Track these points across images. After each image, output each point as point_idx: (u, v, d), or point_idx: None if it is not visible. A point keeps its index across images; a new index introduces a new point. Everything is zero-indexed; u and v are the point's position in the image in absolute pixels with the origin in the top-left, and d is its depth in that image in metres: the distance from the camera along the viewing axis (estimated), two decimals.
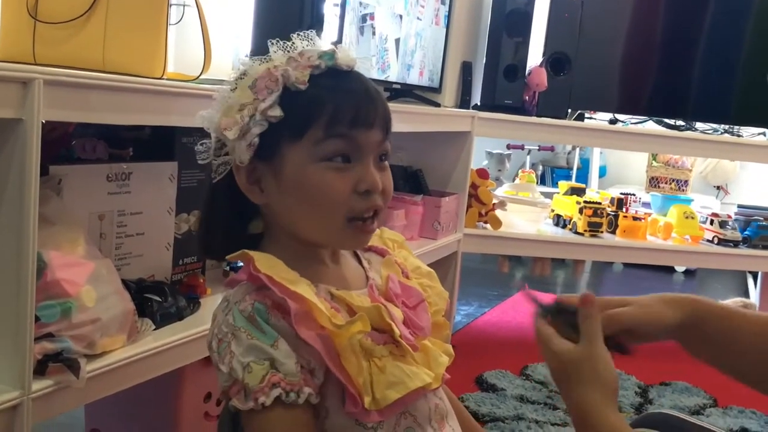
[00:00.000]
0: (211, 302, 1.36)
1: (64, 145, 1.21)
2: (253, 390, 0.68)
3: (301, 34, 0.77)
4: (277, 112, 0.73)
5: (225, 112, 0.76)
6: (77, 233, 1.08)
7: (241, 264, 0.77)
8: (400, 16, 2.13)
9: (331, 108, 0.73)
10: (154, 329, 1.16)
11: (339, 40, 1.85)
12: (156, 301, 1.20)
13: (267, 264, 0.73)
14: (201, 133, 1.41)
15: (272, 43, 0.77)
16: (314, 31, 0.76)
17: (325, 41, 0.80)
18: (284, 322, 0.70)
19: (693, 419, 0.91)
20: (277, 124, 0.74)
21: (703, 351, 0.88)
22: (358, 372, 0.71)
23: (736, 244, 2.70)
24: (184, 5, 1.39)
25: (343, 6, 1.83)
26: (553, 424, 1.89)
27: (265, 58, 0.77)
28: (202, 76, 1.27)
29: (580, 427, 0.76)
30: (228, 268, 1.48)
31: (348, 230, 0.76)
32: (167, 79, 1.17)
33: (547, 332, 0.81)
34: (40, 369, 0.93)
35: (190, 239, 1.41)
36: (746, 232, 2.76)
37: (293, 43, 0.77)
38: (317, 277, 0.77)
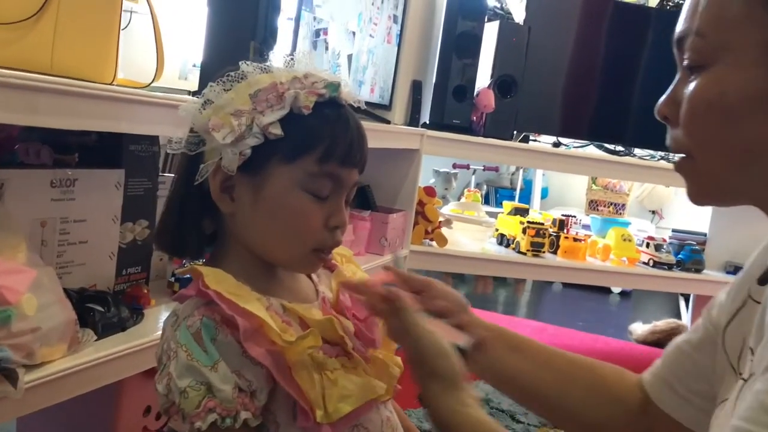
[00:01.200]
0: (155, 313, 1.33)
1: (7, 148, 1.18)
2: (189, 415, 0.68)
3: (303, 52, 0.79)
4: (278, 130, 0.73)
5: (216, 110, 0.74)
6: (18, 240, 1.05)
7: (187, 276, 0.76)
8: (353, 33, 2.14)
9: (328, 141, 0.74)
10: (96, 340, 1.13)
11: (292, 54, 1.85)
12: (98, 311, 1.17)
13: (216, 280, 0.72)
14: (149, 140, 1.39)
15: (266, 58, 0.77)
16: (312, 51, 0.77)
17: (279, 56, 0.81)
18: (232, 338, 0.70)
19: None
20: (273, 142, 0.73)
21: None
22: (311, 386, 0.71)
23: (670, 266, 2.80)
24: (131, 11, 1.38)
25: (297, 20, 1.84)
26: None
27: (266, 68, 0.76)
28: (152, 84, 1.26)
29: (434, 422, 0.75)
30: (174, 279, 1.46)
31: (309, 258, 0.77)
32: (118, 86, 1.16)
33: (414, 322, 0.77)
34: None
35: (135, 249, 1.38)
36: (680, 256, 2.86)
37: (292, 59, 0.78)
38: (269, 290, 0.77)
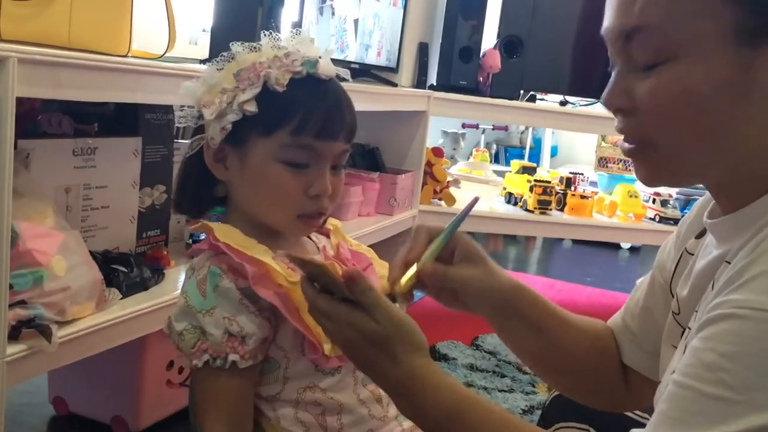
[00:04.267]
0: (175, 273, 1.41)
1: (31, 119, 1.24)
2: (187, 353, 0.79)
3: (294, 31, 0.84)
4: (252, 107, 0.79)
5: (208, 89, 0.82)
6: (46, 205, 1.12)
7: (203, 236, 0.84)
8: None
9: (301, 115, 0.79)
10: (121, 298, 1.21)
11: (299, 21, 1.89)
12: (122, 271, 1.24)
13: (225, 233, 0.80)
14: (165, 109, 1.45)
15: (265, 35, 0.83)
16: (306, 30, 0.82)
17: (310, 38, 0.85)
18: (233, 285, 0.78)
19: None
20: (251, 117, 0.80)
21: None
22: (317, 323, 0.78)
23: (676, 221, 2.84)
24: None
25: None
26: (500, 391, 1.99)
27: (256, 47, 0.82)
28: (165, 55, 1.31)
29: (417, 394, 0.69)
30: (191, 240, 1.53)
31: (296, 223, 0.83)
32: (133, 57, 1.21)
33: (338, 308, 0.70)
34: (14, 334, 0.98)
35: (153, 213, 1.45)
36: (686, 210, 2.90)
37: (280, 39, 0.83)
38: (274, 244, 0.84)
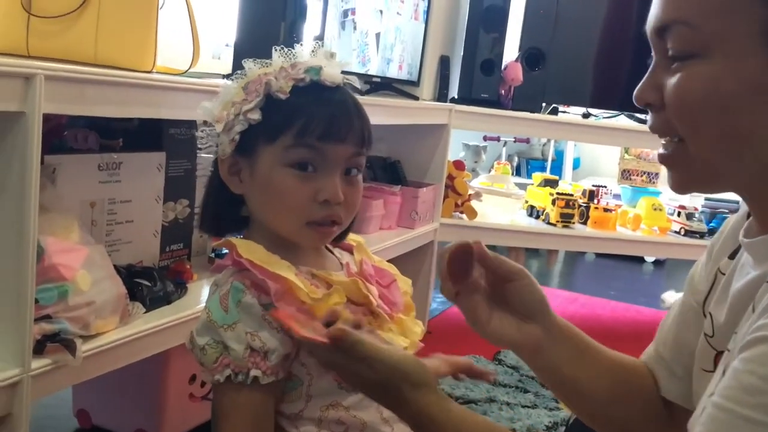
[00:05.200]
0: (198, 287, 1.41)
1: (57, 135, 1.26)
2: (209, 368, 0.78)
3: (316, 44, 0.85)
4: (256, 115, 0.81)
5: (222, 106, 0.84)
6: (71, 220, 1.13)
7: (225, 251, 0.84)
8: (381, 11, 2.18)
9: (304, 118, 0.80)
10: (144, 312, 1.21)
11: (321, 35, 1.90)
12: (146, 285, 1.25)
13: (248, 249, 0.80)
14: (189, 125, 1.46)
15: (275, 50, 0.84)
16: (328, 44, 0.83)
17: (327, 49, 0.86)
18: (256, 300, 0.78)
19: None
20: (256, 126, 0.81)
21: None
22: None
23: (701, 235, 2.81)
24: None
25: (325, 1, 1.88)
26: (523, 406, 1.97)
27: (266, 62, 0.84)
28: (189, 70, 1.32)
29: (430, 429, 0.72)
30: (213, 254, 1.54)
31: (306, 231, 0.83)
32: (157, 73, 1.22)
33: (340, 361, 0.73)
34: (39, 348, 0.98)
35: (177, 227, 1.46)
36: (711, 224, 2.87)
37: (294, 52, 0.84)
38: (297, 260, 0.84)
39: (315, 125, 0.80)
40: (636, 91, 0.66)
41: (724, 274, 0.74)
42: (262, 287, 0.78)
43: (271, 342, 0.77)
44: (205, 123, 0.88)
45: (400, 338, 0.83)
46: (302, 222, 0.82)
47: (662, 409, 0.85)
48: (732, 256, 0.74)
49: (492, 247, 3.23)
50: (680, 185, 0.66)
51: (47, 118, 1.19)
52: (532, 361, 0.85)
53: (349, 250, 0.94)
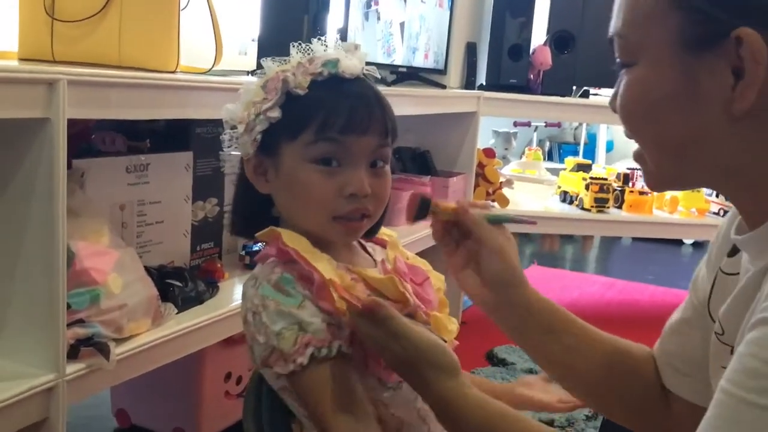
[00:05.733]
0: (229, 286, 1.41)
1: (84, 139, 1.26)
2: (289, 353, 0.74)
3: (321, 38, 0.83)
4: (275, 113, 0.79)
5: (243, 107, 0.82)
6: (101, 224, 1.13)
7: (256, 248, 0.83)
8: (405, 0, 2.15)
9: (324, 112, 0.78)
10: (177, 313, 1.21)
11: (345, 26, 1.89)
12: (177, 286, 1.25)
13: (293, 239, 0.79)
14: (215, 123, 1.46)
15: (293, 46, 0.82)
16: (353, 36, 0.81)
17: (346, 43, 0.85)
18: (308, 292, 0.76)
19: None
20: (277, 124, 0.79)
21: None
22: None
23: None
24: None
25: None
26: None
27: (284, 60, 0.82)
28: (213, 68, 1.31)
29: (450, 414, 0.73)
30: (244, 252, 1.54)
31: (334, 226, 0.81)
32: (181, 72, 1.22)
33: (375, 332, 0.73)
34: (73, 353, 0.99)
35: (206, 226, 1.46)
36: None
37: (311, 47, 0.82)
38: (333, 256, 0.82)
39: (335, 119, 0.78)
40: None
41: (726, 273, 0.73)
42: (309, 279, 0.76)
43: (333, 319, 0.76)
44: (229, 125, 0.87)
45: (437, 335, 0.82)
46: (329, 217, 0.80)
47: (660, 399, 0.85)
48: (731, 254, 0.73)
49: (526, 234, 3.17)
50: (649, 185, 0.69)
51: (73, 123, 1.19)
52: (501, 325, 0.87)
53: (383, 244, 0.92)
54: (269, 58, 0.82)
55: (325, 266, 0.77)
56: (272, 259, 0.80)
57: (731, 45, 0.57)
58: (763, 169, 0.60)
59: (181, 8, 1.22)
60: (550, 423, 1.78)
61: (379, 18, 2.02)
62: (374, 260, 0.88)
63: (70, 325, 0.99)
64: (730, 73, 0.57)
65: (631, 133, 0.67)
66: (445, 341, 0.75)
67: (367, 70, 0.83)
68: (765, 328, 0.52)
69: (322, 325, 0.74)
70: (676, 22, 0.59)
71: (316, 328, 0.74)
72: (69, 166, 1.12)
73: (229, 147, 0.85)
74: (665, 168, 0.65)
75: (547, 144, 4.88)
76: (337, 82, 0.80)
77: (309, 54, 0.82)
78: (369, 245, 0.91)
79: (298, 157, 0.79)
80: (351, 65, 0.81)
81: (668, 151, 0.64)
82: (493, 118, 2.73)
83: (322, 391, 0.74)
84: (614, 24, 0.66)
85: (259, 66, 1.49)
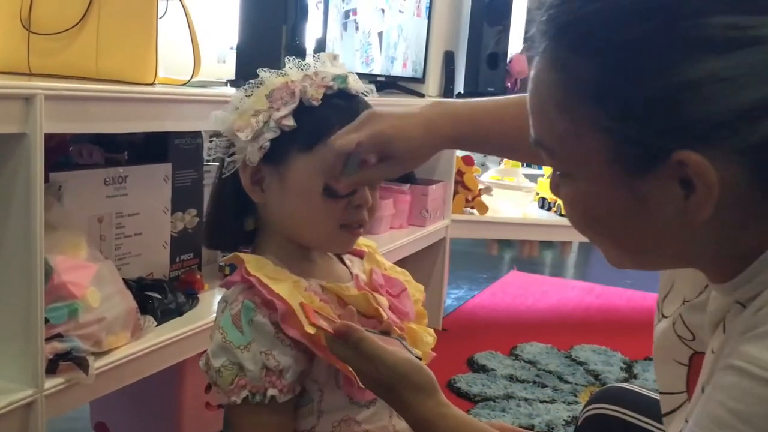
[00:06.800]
0: (209, 297, 1.41)
1: (62, 152, 1.26)
2: (225, 390, 0.77)
3: (315, 56, 0.86)
4: (290, 122, 0.80)
5: (240, 115, 0.82)
6: (79, 237, 1.13)
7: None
8: (382, 10, 2.17)
9: (339, 129, 0.80)
10: (156, 325, 1.21)
11: (323, 36, 1.90)
12: (156, 298, 1.25)
13: (257, 266, 0.79)
14: (193, 135, 1.46)
15: (289, 60, 0.84)
16: (331, 46, 0.82)
17: (330, 59, 0.87)
18: (268, 320, 0.77)
19: (649, 392, 0.96)
20: (289, 134, 0.81)
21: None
22: None
23: None
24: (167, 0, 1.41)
25: (326, 2, 1.88)
26: (541, 402, 1.96)
27: (281, 72, 0.84)
28: (191, 80, 1.31)
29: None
30: (224, 264, 1.54)
31: (341, 233, 0.83)
32: (159, 85, 1.22)
33: (349, 356, 0.74)
34: (52, 368, 0.98)
35: (186, 237, 1.46)
36: None
37: (306, 63, 0.84)
38: (307, 272, 0.83)
39: None
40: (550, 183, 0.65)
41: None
42: (272, 304, 0.77)
43: (285, 360, 0.77)
44: (215, 133, 0.87)
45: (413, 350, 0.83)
46: (336, 225, 0.83)
47: None
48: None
49: (506, 240, 3.19)
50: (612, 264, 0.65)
51: (50, 136, 1.19)
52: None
53: (360, 255, 0.94)
54: (265, 70, 0.83)
55: (290, 291, 0.78)
56: (238, 284, 0.81)
57: (674, 165, 0.52)
58: (729, 252, 0.57)
59: (158, 17, 1.22)
60: (530, 428, 1.80)
61: (357, 28, 2.03)
62: (351, 273, 0.89)
63: (48, 339, 0.99)
64: (678, 186, 0.53)
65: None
66: (420, 358, 0.76)
67: (365, 90, 0.86)
68: (735, 377, 0.51)
69: (260, 373, 0.76)
70: (604, 144, 0.54)
71: (253, 375, 0.76)
72: (46, 179, 1.12)
73: (210, 156, 0.86)
74: (624, 261, 0.61)
75: None
76: (346, 98, 0.83)
77: (303, 68, 0.83)
78: (347, 257, 0.92)
79: (313, 168, 0.81)
80: (357, 84, 0.84)
81: (628, 249, 0.60)
82: None
83: None
84: (533, 130, 0.60)
85: (239, 75, 1.50)
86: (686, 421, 0.57)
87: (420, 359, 0.77)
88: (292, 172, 0.81)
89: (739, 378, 0.51)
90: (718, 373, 0.54)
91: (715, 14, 0.50)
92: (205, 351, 0.81)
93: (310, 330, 0.74)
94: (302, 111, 0.81)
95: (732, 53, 0.50)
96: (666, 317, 0.75)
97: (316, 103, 0.81)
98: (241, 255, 0.81)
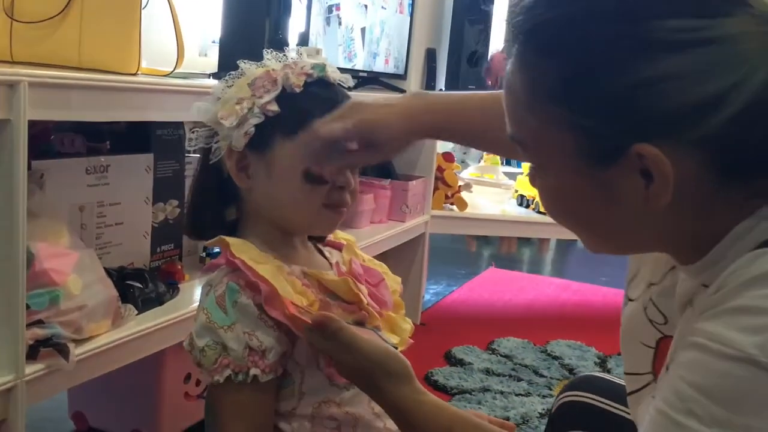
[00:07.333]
0: (189, 287, 1.42)
1: (44, 140, 1.26)
2: (208, 369, 0.79)
3: (294, 48, 0.89)
4: (275, 107, 0.83)
5: (222, 104, 0.85)
6: (61, 225, 1.13)
7: (217, 250, 0.85)
8: (365, 6, 2.18)
9: (322, 113, 0.83)
10: (137, 314, 1.22)
11: (306, 31, 1.91)
12: (137, 287, 1.26)
13: (241, 249, 0.81)
14: (176, 125, 1.47)
15: (267, 52, 0.87)
16: (314, 40, 0.85)
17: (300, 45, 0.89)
18: (251, 301, 0.79)
19: (617, 379, 0.98)
20: (274, 119, 0.83)
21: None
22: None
23: None
24: None
25: None
26: (517, 395, 1.99)
27: (261, 64, 0.86)
28: (174, 71, 1.32)
29: (405, 421, 0.75)
30: (205, 254, 1.55)
31: (323, 212, 0.86)
32: (142, 75, 1.22)
33: (326, 346, 0.76)
34: (32, 354, 0.99)
35: (167, 227, 1.47)
36: None
37: (285, 54, 0.87)
38: (290, 258, 0.85)
39: None
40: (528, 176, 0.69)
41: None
42: (256, 286, 0.79)
43: (268, 341, 0.78)
44: (196, 124, 0.89)
45: (391, 336, 0.85)
46: (320, 204, 0.85)
47: None
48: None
49: (485, 237, 3.23)
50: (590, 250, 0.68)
51: (33, 124, 1.20)
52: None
53: (339, 248, 0.96)
54: (246, 62, 0.85)
55: (273, 274, 0.80)
56: (223, 267, 0.83)
57: (634, 157, 0.56)
58: (693, 236, 0.60)
59: (141, 7, 1.22)
60: (506, 420, 1.82)
61: (340, 23, 2.04)
62: (330, 263, 0.91)
63: (29, 325, 0.99)
64: (639, 176, 0.56)
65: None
66: (396, 347, 0.78)
67: (342, 79, 0.88)
68: (695, 353, 0.54)
69: (243, 353, 0.78)
70: (569, 139, 0.58)
71: (237, 355, 0.78)
72: (29, 167, 1.12)
73: (192, 146, 0.88)
74: (600, 246, 0.65)
75: None
76: (325, 86, 0.86)
77: (281, 60, 0.85)
78: (326, 249, 0.94)
79: (296, 154, 0.83)
80: (335, 72, 0.87)
81: (601, 236, 0.64)
82: None
83: (232, 412, 0.80)
84: (508, 126, 0.64)
85: (222, 68, 1.51)
86: (653, 398, 0.60)
87: (396, 348, 0.78)
88: (277, 158, 0.83)
89: (700, 354, 0.53)
90: (680, 351, 0.57)
91: (669, 17, 0.54)
92: (188, 335, 0.83)
93: (295, 311, 0.76)
94: (284, 98, 0.83)
95: (684, 53, 0.53)
96: (632, 300, 0.78)
97: (298, 90, 0.83)
98: (226, 238, 0.83)
